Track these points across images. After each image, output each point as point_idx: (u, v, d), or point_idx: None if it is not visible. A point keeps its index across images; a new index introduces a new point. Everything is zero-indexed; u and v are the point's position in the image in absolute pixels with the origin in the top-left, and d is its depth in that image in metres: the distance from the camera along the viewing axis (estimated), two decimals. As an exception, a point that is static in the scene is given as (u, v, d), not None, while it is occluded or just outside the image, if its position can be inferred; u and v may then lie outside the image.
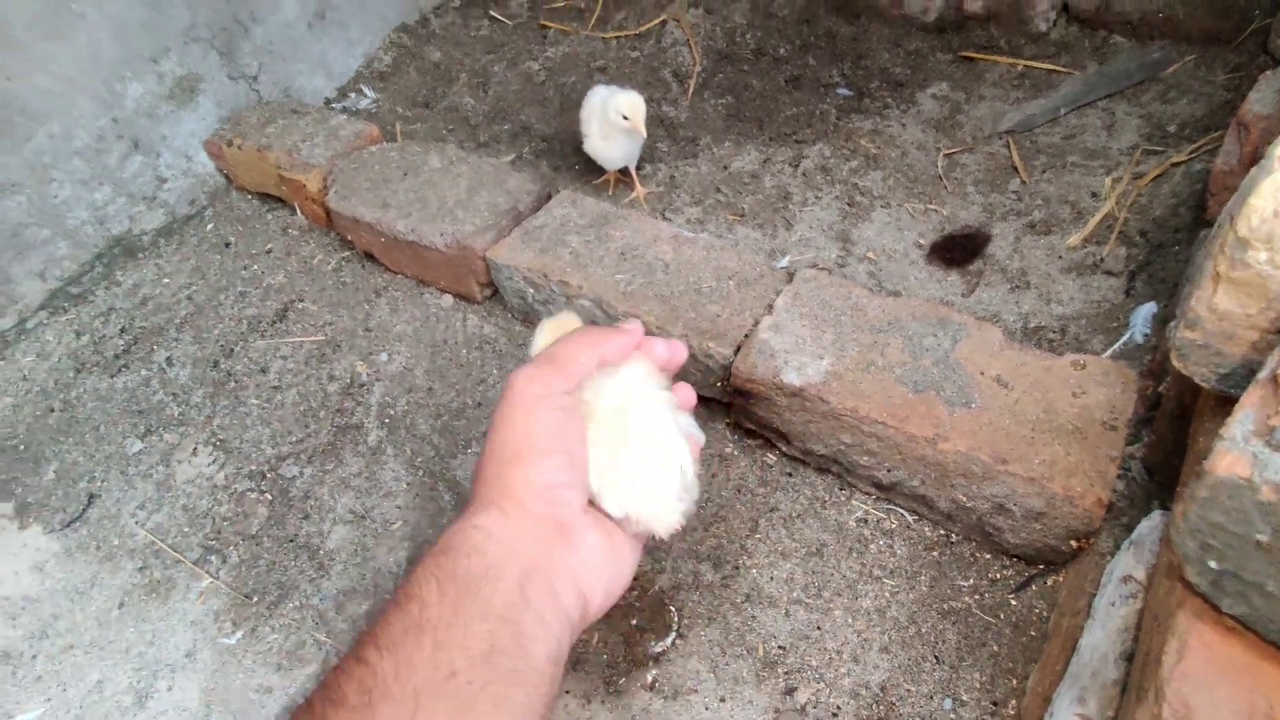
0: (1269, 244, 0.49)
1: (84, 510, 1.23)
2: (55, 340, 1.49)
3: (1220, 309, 0.53)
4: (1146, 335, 1.16)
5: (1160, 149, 1.44)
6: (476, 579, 0.46)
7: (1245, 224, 0.50)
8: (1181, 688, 0.48)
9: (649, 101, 1.81)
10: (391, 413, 1.30)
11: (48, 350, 1.47)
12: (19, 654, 1.08)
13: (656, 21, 1.97)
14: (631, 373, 0.59)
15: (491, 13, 2.12)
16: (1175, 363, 0.59)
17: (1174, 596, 0.52)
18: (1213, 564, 0.47)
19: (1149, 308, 1.19)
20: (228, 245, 1.63)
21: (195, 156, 1.68)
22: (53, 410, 1.37)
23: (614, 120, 1.41)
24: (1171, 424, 0.84)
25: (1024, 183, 1.45)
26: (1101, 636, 0.67)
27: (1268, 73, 1.20)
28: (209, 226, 1.67)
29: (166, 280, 1.57)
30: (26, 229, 1.46)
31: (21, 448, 1.33)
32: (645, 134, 1.41)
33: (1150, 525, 0.78)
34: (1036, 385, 1.03)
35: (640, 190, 1.56)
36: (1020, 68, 1.71)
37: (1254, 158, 1.07)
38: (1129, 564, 0.71)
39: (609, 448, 0.55)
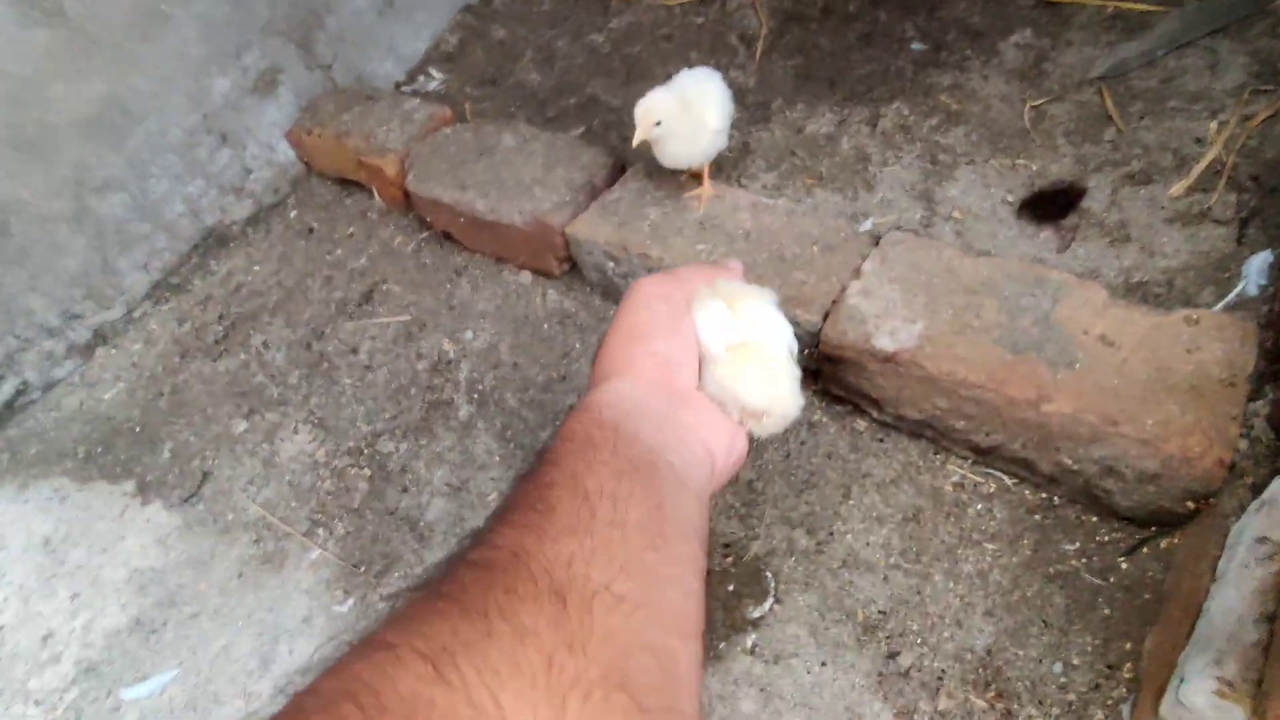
0: None
1: (199, 487, 1.30)
2: (160, 328, 1.57)
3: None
4: (1262, 286, 1.10)
5: (1271, 88, 1.35)
6: (621, 418, 0.49)
7: None
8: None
9: (720, 68, 1.79)
10: (480, 388, 1.33)
11: (154, 338, 1.55)
12: (151, 621, 1.16)
13: (720, -15, 1.93)
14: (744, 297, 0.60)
15: (553, -13, 2.11)
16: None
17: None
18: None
19: (1264, 256, 1.12)
20: (311, 231, 1.68)
21: (277, 146, 1.73)
22: (162, 394, 1.45)
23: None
24: (1301, 378, 0.80)
25: (1120, 131, 1.38)
26: (1236, 598, 0.64)
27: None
28: (292, 214, 1.73)
29: (257, 268, 1.63)
30: (129, 224, 1.53)
31: (138, 429, 1.41)
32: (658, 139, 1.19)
33: (1281, 484, 0.74)
34: (1145, 343, 0.98)
35: (705, 190, 1.31)
36: (1111, 8, 1.62)
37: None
38: (1263, 525, 0.68)
39: (737, 359, 0.58)
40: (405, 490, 1.23)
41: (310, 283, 1.58)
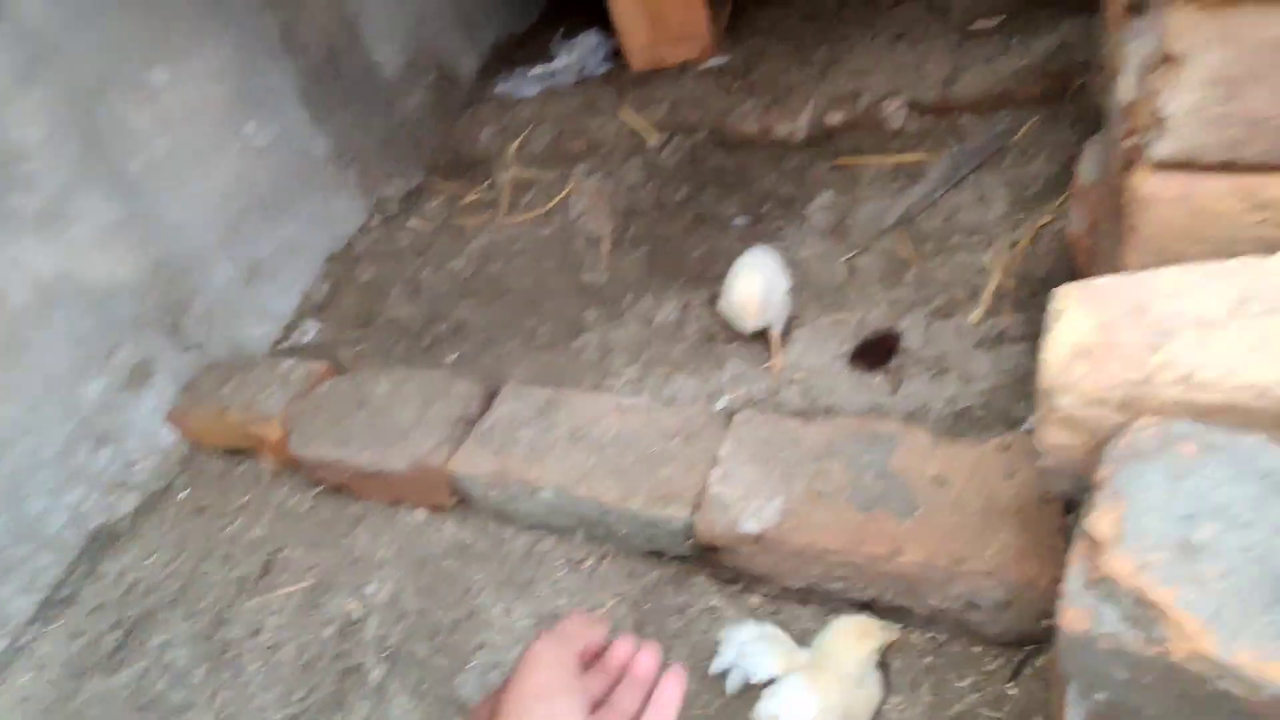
0: (1067, 390, 0.57)
1: (105, 828, 1.22)
2: (51, 650, 1.51)
3: (1055, 443, 0.61)
4: (1061, 395, 1.24)
5: (1026, 214, 1.58)
6: None
7: (1046, 377, 0.59)
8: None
9: (571, 270, 1.95)
10: (389, 644, 1.33)
11: (44, 663, 1.49)
12: None
13: (560, 196, 2.14)
14: None
15: (410, 223, 2.28)
16: (1041, 482, 0.66)
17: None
18: (1099, 695, 0.52)
19: (1057, 367, 1.28)
20: (203, 510, 1.68)
21: (158, 432, 1.76)
22: (59, 726, 1.38)
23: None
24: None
25: (918, 272, 1.57)
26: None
27: (1091, 139, 1.34)
28: (182, 495, 1.73)
29: (149, 560, 1.61)
30: (6, 550, 1.51)
31: (34, 774, 1.33)
32: (755, 321, 1.44)
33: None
34: (973, 476, 1.09)
35: (776, 360, 1.48)
36: (890, 164, 1.87)
37: (1093, 223, 1.18)
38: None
39: None
40: (325, 777, 1.19)
41: (207, 565, 1.56)
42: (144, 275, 1.71)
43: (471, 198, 2.28)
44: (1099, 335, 0.55)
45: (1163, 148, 0.66)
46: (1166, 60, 0.62)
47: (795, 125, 2.01)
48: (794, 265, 1.71)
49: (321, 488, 1.63)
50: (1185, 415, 0.52)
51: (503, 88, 2.57)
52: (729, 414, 1.32)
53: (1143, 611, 0.44)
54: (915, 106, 1.93)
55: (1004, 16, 2.07)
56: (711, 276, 1.77)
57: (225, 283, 1.90)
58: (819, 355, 1.50)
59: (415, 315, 1.98)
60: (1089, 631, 0.46)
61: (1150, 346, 0.54)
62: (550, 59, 2.60)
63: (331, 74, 2.13)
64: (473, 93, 2.62)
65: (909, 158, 1.86)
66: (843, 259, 1.68)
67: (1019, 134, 1.79)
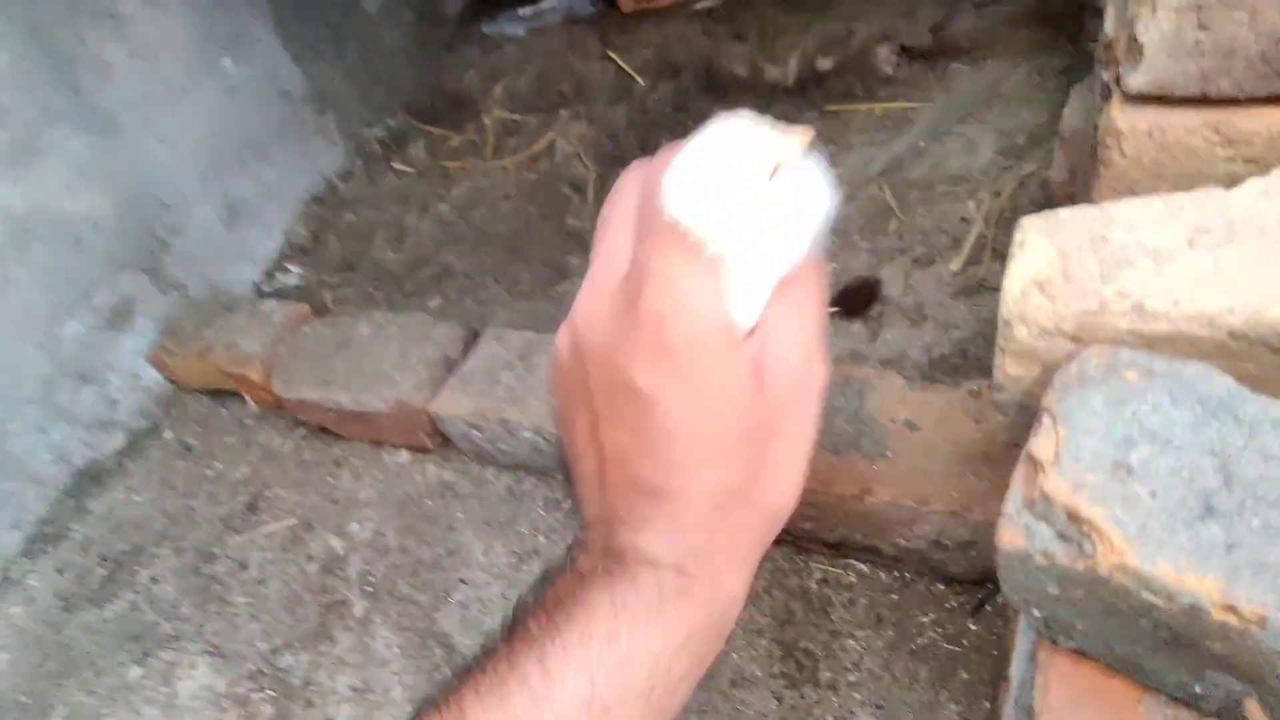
0: (1024, 321, 0.58)
1: (97, 750, 1.26)
2: (40, 584, 1.53)
3: (1011, 374, 0.62)
4: (1036, 342, 1.25)
5: (1012, 163, 1.57)
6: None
7: (1005, 307, 0.60)
8: (1052, 716, 0.55)
9: (556, 216, 1.94)
10: (372, 580, 1.36)
11: (33, 595, 1.52)
12: None
13: (546, 140, 2.11)
14: None
15: (394, 165, 2.24)
16: (999, 415, 0.67)
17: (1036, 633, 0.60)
18: (1036, 612, 0.54)
19: (1033, 315, 1.29)
20: (188, 449, 1.69)
21: (142, 372, 1.76)
22: (49, 656, 1.41)
23: None
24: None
25: (901, 220, 1.57)
26: (1018, 661, 0.74)
27: (1077, 85, 1.33)
28: (167, 435, 1.74)
29: (136, 499, 1.63)
30: (-7, 486, 1.52)
31: (26, 700, 1.36)
32: None
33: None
34: (943, 421, 1.11)
35: None
36: (879, 111, 1.85)
37: (1073, 170, 1.18)
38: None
39: None
40: (310, 704, 1.23)
41: (193, 503, 1.58)
42: (121, 214, 1.69)
43: (455, 141, 2.24)
44: (1057, 266, 0.56)
45: (1136, 79, 0.66)
46: (1143, -11, 0.61)
47: (785, 70, 1.98)
48: (778, 212, 1.70)
49: (305, 429, 1.64)
50: (1137, 344, 0.53)
51: (489, 27, 2.52)
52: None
53: (1075, 529, 0.46)
54: (906, 52, 1.90)
55: (1000, -40, 2.02)
56: (696, 223, 1.76)
57: (206, 223, 1.88)
58: (800, 302, 1.50)
59: (399, 260, 1.97)
60: (1024, 549, 0.48)
61: (1105, 277, 0.55)
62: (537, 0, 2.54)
63: (311, 9, 2.07)
64: (457, 32, 2.56)
65: (898, 105, 1.84)
66: (827, 207, 1.67)
67: (1010, 81, 1.76)
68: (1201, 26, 0.60)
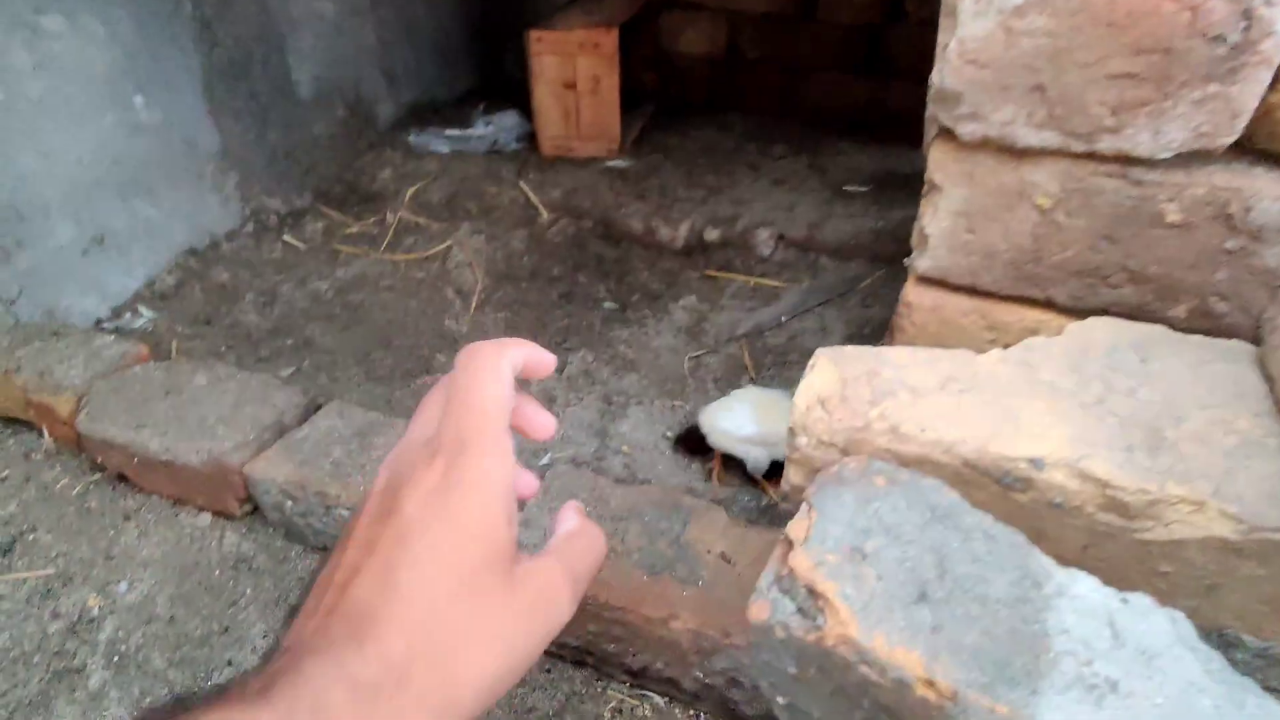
0: (805, 431, 0.64)
1: None
2: None
3: (794, 482, 0.67)
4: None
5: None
6: None
7: (793, 419, 0.66)
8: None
9: (436, 317, 1.96)
10: (122, 649, 1.19)
11: None
12: None
13: (443, 246, 2.17)
14: None
15: (285, 238, 2.23)
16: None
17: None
18: (779, 699, 0.56)
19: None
20: (-48, 476, 1.49)
21: (-74, 383, 1.57)
22: None
23: None
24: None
25: (753, 379, 1.69)
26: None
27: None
28: (-67, 457, 1.53)
29: None
30: None
31: None
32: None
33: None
34: (758, 560, 1.15)
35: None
36: (752, 284, 2.04)
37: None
38: None
39: None
40: (-5, 787, 1.03)
41: (-66, 536, 1.37)
42: (-34, 211, 1.58)
43: (354, 228, 2.27)
44: (837, 388, 0.63)
45: (923, 263, 0.78)
46: (931, 188, 0.74)
47: (676, 233, 2.17)
48: (648, 351, 1.80)
49: (100, 475, 1.49)
50: (891, 460, 0.59)
51: (416, 139, 2.64)
52: (547, 468, 1.34)
53: (811, 602, 0.49)
54: (783, 240, 2.13)
55: (873, 185, 2.36)
56: (567, 348, 1.82)
57: (62, 243, 1.78)
58: (647, 434, 1.55)
59: (261, 325, 1.91)
60: (767, 620, 0.50)
61: (872, 402, 0.62)
62: (468, 126, 2.71)
63: (242, 78, 2.13)
64: (384, 136, 2.66)
65: (769, 282, 2.03)
66: (691, 355, 1.78)
67: (866, 281, 2.00)
68: (970, 230, 0.74)
